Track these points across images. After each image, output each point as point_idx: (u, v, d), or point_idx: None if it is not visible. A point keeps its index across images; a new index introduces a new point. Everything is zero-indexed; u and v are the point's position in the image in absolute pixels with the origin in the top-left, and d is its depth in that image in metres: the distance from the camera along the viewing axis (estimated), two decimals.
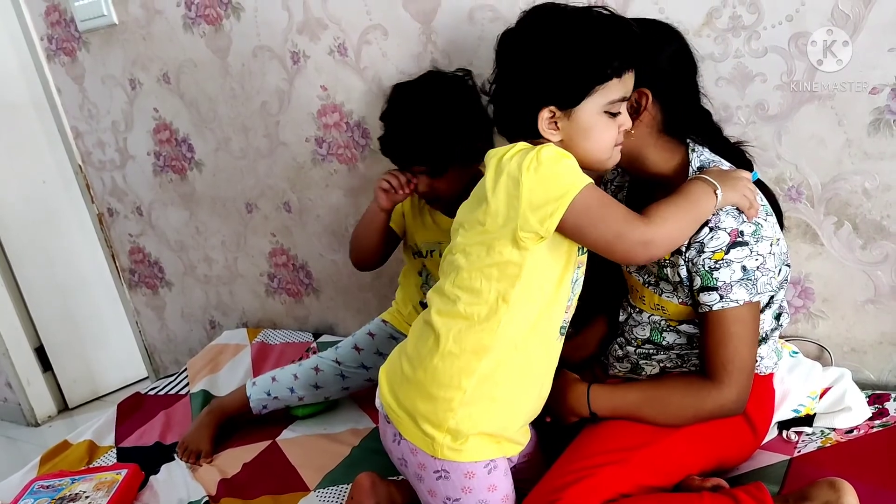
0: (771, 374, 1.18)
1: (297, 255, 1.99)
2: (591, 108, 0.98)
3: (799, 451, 1.19)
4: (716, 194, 1.00)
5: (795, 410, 1.25)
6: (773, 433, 1.24)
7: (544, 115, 0.98)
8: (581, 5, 1.02)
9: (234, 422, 1.59)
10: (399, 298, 1.60)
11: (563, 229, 0.96)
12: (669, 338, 1.16)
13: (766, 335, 1.13)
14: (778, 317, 1.16)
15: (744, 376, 1.05)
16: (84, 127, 2.21)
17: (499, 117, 1.06)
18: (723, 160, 1.11)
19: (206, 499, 1.39)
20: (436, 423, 1.03)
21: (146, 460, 1.54)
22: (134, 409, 1.79)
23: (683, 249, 1.05)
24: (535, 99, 0.98)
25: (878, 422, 1.20)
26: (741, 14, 1.21)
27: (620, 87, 0.98)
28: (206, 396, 1.77)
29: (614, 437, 1.10)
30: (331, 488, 1.36)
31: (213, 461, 1.52)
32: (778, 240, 1.07)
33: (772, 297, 1.12)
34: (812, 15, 1.16)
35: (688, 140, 1.12)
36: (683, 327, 1.14)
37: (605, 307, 1.34)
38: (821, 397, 1.25)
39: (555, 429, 1.20)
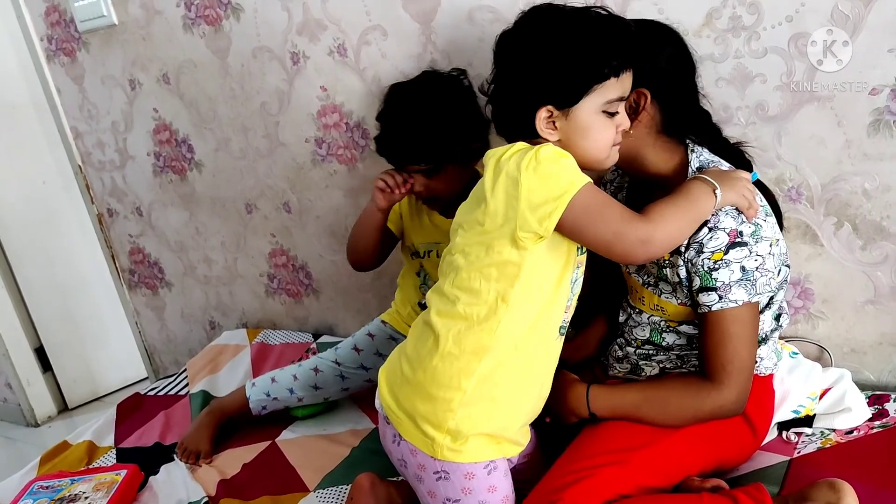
0: (771, 375, 1.18)
1: (296, 255, 1.99)
2: (589, 108, 0.98)
3: (799, 452, 1.18)
4: (715, 194, 1.00)
5: (795, 411, 1.25)
6: (772, 434, 1.24)
7: (542, 114, 0.98)
8: (579, 6, 1.02)
9: (233, 422, 1.59)
10: (398, 299, 1.60)
11: (561, 228, 0.96)
12: (669, 338, 1.16)
13: (766, 336, 1.13)
14: (778, 317, 1.16)
15: (743, 377, 1.05)
16: (84, 127, 2.21)
17: (497, 117, 1.06)
18: (722, 161, 1.11)
19: (206, 499, 1.39)
20: (435, 424, 1.03)
21: (146, 461, 1.54)
22: (133, 410, 1.79)
23: (683, 250, 1.05)
24: (533, 98, 0.98)
25: (878, 423, 1.20)
26: (741, 15, 1.21)
27: (618, 86, 0.98)
28: (206, 397, 1.77)
29: (614, 438, 1.10)
30: (330, 489, 1.36)
31: (212, 462, 1.52)
32: (777, 240, 1.07)
33: (771, 298, 1.12)
34: (812, 16, 1.16)
35: (687, 140, 1.12)
36: (683, 328, 1.14)
37: (605, 308, 1.34)
38: (821, 398, 1.25)
39: (554, 429, 1.20)
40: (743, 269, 1.02)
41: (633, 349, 1.20)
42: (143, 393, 1.87)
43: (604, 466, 1.05)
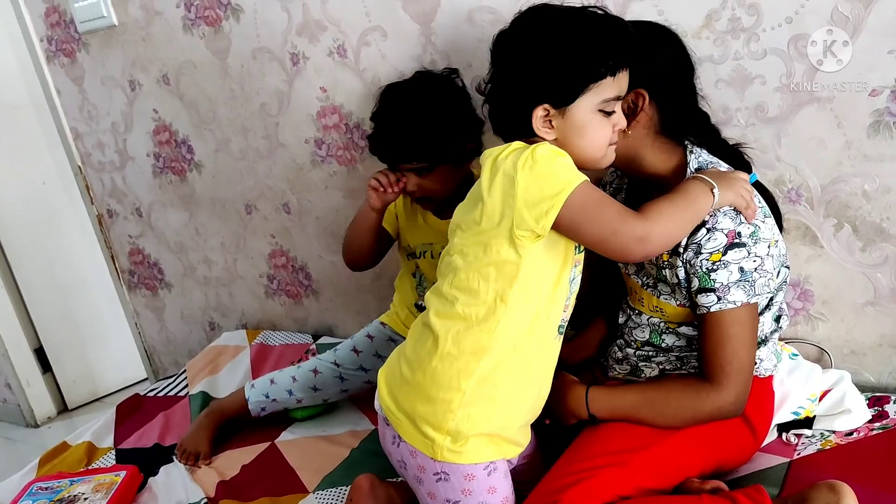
0: (770, 377, 1.18)
1: (296, 256, 1.99)
2: (586, 107, 0.98)
3: (798, 454, 1.18)
4: (713, 193, 1.00)
5: (795, 413, 1.25)
6: (772, 435, 1.24)
7: (539, 113, 0.99)
8: (576, 5, 1.02)
9: (233, 423, 1.59)
10: (396, 301, 1.60)
11: (558, 227, 0.96)
12: (669, 340, 1.16)
13: (766, 337, 1.13)
14: (777, 319, 1.16)
15: (742, 378, 1.05)
16: (84, 128, 2.21)
17: (494, 117, 1.07)
18: (721, 162, 1.11)
19: (205, 500, 1.39)
20: (435, 425, 1.03)
21: (145, 462, 1.54)
22: (133, 411, 1.79)
23: (681, 251, 1.05)
24: (530, 97, 0.98)
25: (877, 424, 1.20)
26: (740, 16, 1.20)
27: (615, 85, 0.98)
28: (206, 398, 1.77)
29: (614, 439, 1.10)
30: (330, 490, 1.36)
31: (211, 463, 1.52)
32: (776, 241, 1.06)
33: (771, 299, 1.12)
34: (811, 17, 1.16)
35: (686, 142, 1.12)
36: (683, 329, 1.14)
37: (605, 309, 1.34)
38: (820, 400, 1.25)
39: (554, 431, 1.20)
40: (741, 270, 1.02)
41: (633, 350, 1.20)
42: (142, 394, 1.87)
43: (603, 468, 1.05)
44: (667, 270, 1.09)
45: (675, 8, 1.25)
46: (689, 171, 1.09)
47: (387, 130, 1.34)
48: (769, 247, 1.04)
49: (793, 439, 1.22)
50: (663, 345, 1.16)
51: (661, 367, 1.17)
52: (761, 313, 1.11)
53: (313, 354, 1.81)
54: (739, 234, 1.02)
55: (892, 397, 1.25)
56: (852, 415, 1.21)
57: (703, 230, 1.03)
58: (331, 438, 1.53)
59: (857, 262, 1.27)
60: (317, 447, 1.51)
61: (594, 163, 1.02)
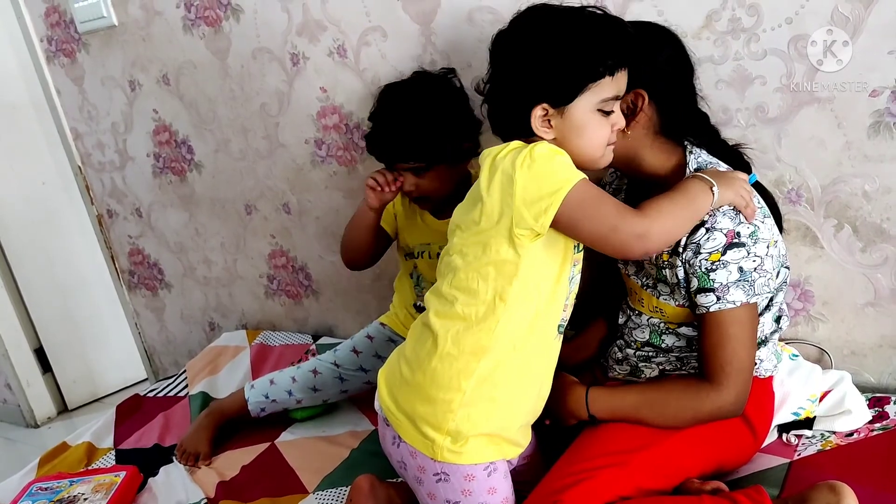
0: (770, 377, 1.18)
1: (296, 256, 1.99)
2: (584, 106, 0.98)
3: (799, 455, 1.18)
4: (712, 191, 1.00)
5: (795, 413, 1.24)
6: (772, 436, 1.24)
7: (537, 112, 0.99)
8: (575, 5, 1.02)
9: (232, 424, 1.59)
10: (395, 301, 1.60)
11: (558, 224, 0.96)
12: (669, 340, 1.16)
13: (766, 338, 1.13)
14: (778, 319, 1.16)
15: (742, 378, 1.05)
16: (84, 128, 2.21)
17: (493, 116, 1.07)
18: (720, 162, 1.11)
19: (205, 501, 1.39)
20: (435, 426, 1.03)
21: (145, 462, 1.54)
22: (133, 411, 1.79)
23: (680, 250, 1.05)
24: (528, 96, 0.99)
25: (878, 425, 1.20)
26: (740, 16, 1.20)
27: (613, 85, 0.99)
28: (205, 398, 1.77)
29: (614, 440, 1.09)
30: (329, 491, 1.36)
31: (211, 463, 1.52)
32: (776, 242, 1.07)
33: (771, 300, 1.12)
34: (811, 17, 1.16)
35: (685, 142, 1.12)
36: (683, 330, 1.14)
37: (605, 309, 1.34)
38: (821, 400, 1.25)
39: (554, 431, 1.20)
40: (741, 269, 1.02)
41: (633, 351, 1.20)
42: (142, 394, 1.87)
43: (603, 468, 1.04)
44: (666, 270, 1.09)
45: (675, 8, 1.25)
46: (688, 171, 1.08)
47: (384, 130, 1.35)
48: (768, 247, 1.04)
49: (793, 440, 1.22)
50: (663, 345, 1.16)
51: (661, 367, 1.17)
52: (761, 314, 1.11)
53: (313, 355, 1.81)
54: (738, 233, 1.02)
55: (893, 398, 1.25)
56: (853, 415, 1.21)
57: (702, 230, 1.03)
58: (331, 439, 1.53)
59: (858, 263, 1.27)
60: (317, 448, 1.51)
61: (592, 163, 1.02)
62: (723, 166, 1.10)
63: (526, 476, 1.14)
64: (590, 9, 1.00)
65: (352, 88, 1.66)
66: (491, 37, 1.05)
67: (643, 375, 1.19)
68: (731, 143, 1.19)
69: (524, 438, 1.12)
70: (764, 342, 1.13)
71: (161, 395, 1.85)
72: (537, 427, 1.16)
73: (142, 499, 1.44)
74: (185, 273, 2.26)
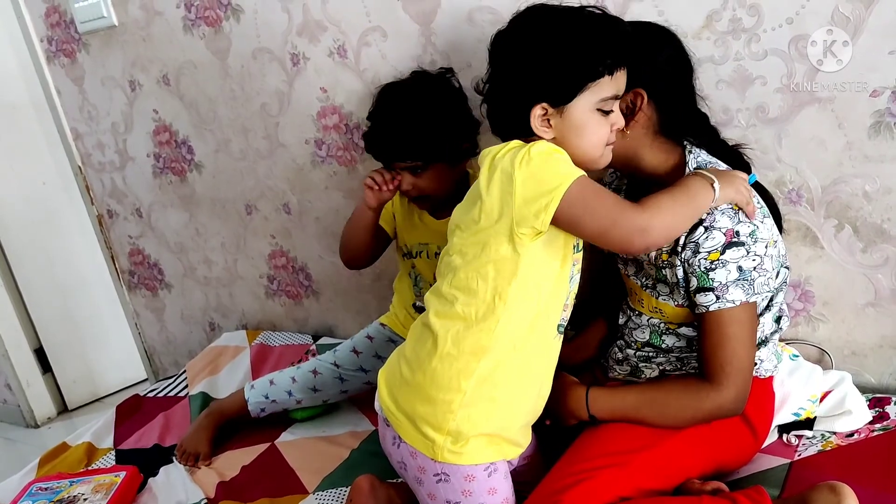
0: (771, 377, 1.18)
1: (296, 256, 1.99)
2: (584, 106, 0.98)
3: (799, 455, 1.18)
4: (713, 188, 1.00)
5: (796, 414, 1.24)
6: (773, 437, 1.24)
7: (537, 112, 0.99)
8: (574, 5, 1.02)
9: (232, 424, 1.59)
10: (395, 302, 1.60)
11: (558, 221, 0.96)
12: (669, 341, 1.16)
13: (766, 338, 1.13)
14: (778, 320, 1.16)
15: (742, 377, 1.05)
16: (84, 128, 2.21)
17: (492, 116, 1.07)
18: (720, 162, 1.11)
19: (205, 501, 1.39)
20: (436, 426, 1.03)
21: (145, 462, 1.54)
22: (133, 411, 1.78)
23: (679, 250, 1.05)
24: (528, 96, 0.99)
25: (878, 425, 1.20)
26: (741, 17, 1.20)
27: (612, 84, 0.99)
28: (205, 398, 1.77)
29: (614, 440, 1.09)
30: (330, 491, 1.36)
31: (211, 464, 1.51)
32: (775, 242, 1.07)
33: (771, 300, 1.12)
34: (812, 17, 1.15)
35: (685, 142, 1.12)
36: (683, 330, 1.14)
37: (605, 309, 1.34)
38: (821, 401, 1.25)
39: (554, 431, 1.19)
40: (740, 268, 1.02)
41: (633, 351, 1.20)
42: (142, 394, 1.87)
43: (604, 469, 1.04)
44: (666, 270, 1.09)
45: (676, 8, 1.25)
46: (687, 170, 1.09)
47: (381, 129, 1.35)
48: (766, 247, 1.04)
49: (793, 440, 1.22)
50: (663, 346, 1.16)
51: (661, 367, 1.17)
52: (762, 314, 1.11)
53: (313, 355, 1.81)
54: (738, 232, 1.02)
55: (893, 398, 1.25)
56: (853, 416, 1.21)
57: (701, 228, 1.03)
58: (331, 439, 1.53)
59: (858, 263, 1.27)
60: (317, 448, 1.51)
61: (592, 162, 1.02)
62: (722, 166, 1.10)
63: (526, 476, 1.14)
64: (589, 9, 1.01)
65: (352, 88, 1.66)
66: (490, 37, 1.05)
67: (643, 376, 1.19)
68: (730, 144, 1.19)
69: (524, 439, 1.11)
70: (764, 342, 1.13)
71: (161, 395, 1.85)
72: (537, 427, 1.16)
73: (142, 499, 1.44)
74: (185, 273, 2.26)
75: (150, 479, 1.49)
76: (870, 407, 1.24)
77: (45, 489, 1.43)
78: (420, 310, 1.45)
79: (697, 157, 1.10)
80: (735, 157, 1.17)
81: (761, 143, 1.26)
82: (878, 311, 1.29)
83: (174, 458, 1.55)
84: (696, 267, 1.04)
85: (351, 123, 1.70)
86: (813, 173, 1.25)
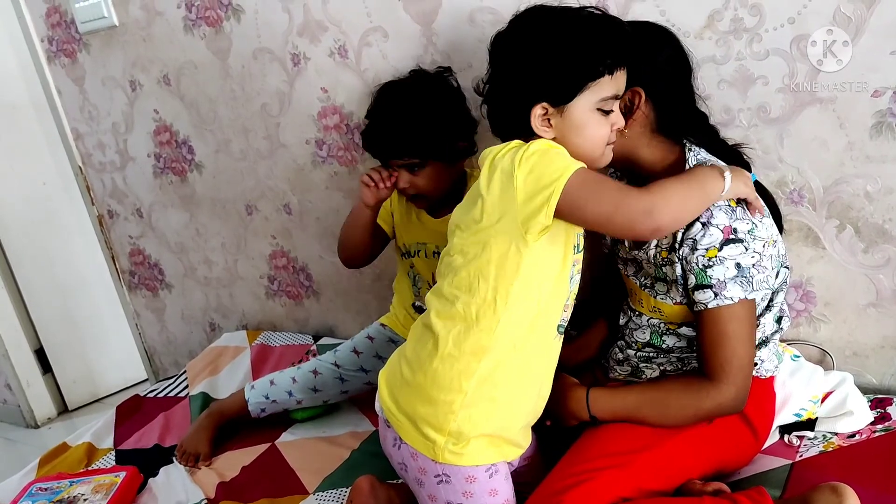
0: (772, 378, 1.18)
1: (297, 257, 1.99)
2: (584, 105, 0.98)
3: (801, 456, 1.18)
4: (724, 178, 1.00)
5: (797, 415, 1.24)
6: (774, 437, 1.24)
7: (537, 111, 0.99)
8: (574, 6, 1.02)
9: (233, 424, 1.59)
10: (395, 302, 1.61)
11: (561, 213, 0.96)
12: (669, 341, 1.16)
13: (767, 338, 1.13)
14: (779, 320, 1.16)
15: (742, 375, 1.05)
16: (84, 128, 2.21)
17: (492, 116, 1.07)
18: (719, 161, 1.11)
19: (205, 501, 1.39)
20: (437, 427, 1.02)
21: (145, 463, 1.54)
22: (133, 412, 1.78)
23: (677, 246, 1.05)
24: (528, 95, 0.99)
25: (880, 426, 1.20)
26: (743, 16, 1.20)
27: (612, 84, 0.99)
28: (206, 399, 1.76)
29: (615, 441, 1.09)
30: (330, 491, 1.35)
31: (211, 464, 1.51)
32: (775, 241, 1.07)
33: (772, 300, 1.12)
34: (814, 17, 1.15)
35: (685, 140, 1.12)
36: (683, 330, 1.14)
37: (606, 310, 1.34)
38: (822, 401, 1.25)
39: (555, 432, 1.19)
40: (738, 265, 1.02)
41: (634, 352, 1.20)
42: (142, 395, 1.87)
43: (604, 469, 1.04)
44: (666, 268, 1.09)
45: (677, 8, 1.24)
46: (686, 167, 1.09)
47: (378, 126, 1.35)
48: (765, 245, 1.04)
49: (795, 441, 1.22)
50: (664, 346, 1.16)
51: (661, 368, 1.17)
52: (762, 314, 1.10)
53: (314, 355, 1.81)
54: (735, 229, 1.02)
55: (895, 399, 1.25)
56: (854, 417, 1.21)
57: (699, 225, 1.03)
58: (331, 440, 1.53)
59: (860, 264, 1.27)
60: (317, 448, 1.50)
61: (592, 162, 1.02)
62: (722, 164, 1.10)
63: (527, 477, 1.14)
64: (589, 9, 1.01)
65: (352, 89, 1.65)
66: (491, 37, 1.05)
67: (644, 376, 1.19)
68: (730, 143, 1.19)
69: (525, 439, 1.11)
70: (765, 343, 1.13)
71: (161, 395, 1.85)
72: (538, 428, 1.16)
73: (142, 499, 1.44)
74: (185, 273, 2.26)
75: (151, 480, 1.49)
76: (871, 408, 1.24)
77: (45, 489, 1.43)
78: (419, 310, 1.46)
79: (697, 155, 1.10)
80: (735, 157, 1.17)
81: (763, 144, 1.26)
82: (879, 312, 1.29)
83: (174, 459, 1.54)
84: (693, 264, 1.04)
85: (352, 123, 1.70)
86: (815, 173, 1.25)
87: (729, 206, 1.03)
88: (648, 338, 1.18)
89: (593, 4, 1.04)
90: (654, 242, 1.10)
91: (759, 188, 1.14)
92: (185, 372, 1.93)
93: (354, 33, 1.59)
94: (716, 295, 1.03)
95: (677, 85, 1.11)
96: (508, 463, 1.10)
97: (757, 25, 1.20)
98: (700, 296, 1.04)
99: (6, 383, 2.60)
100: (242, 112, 1.85)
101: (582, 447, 1.11)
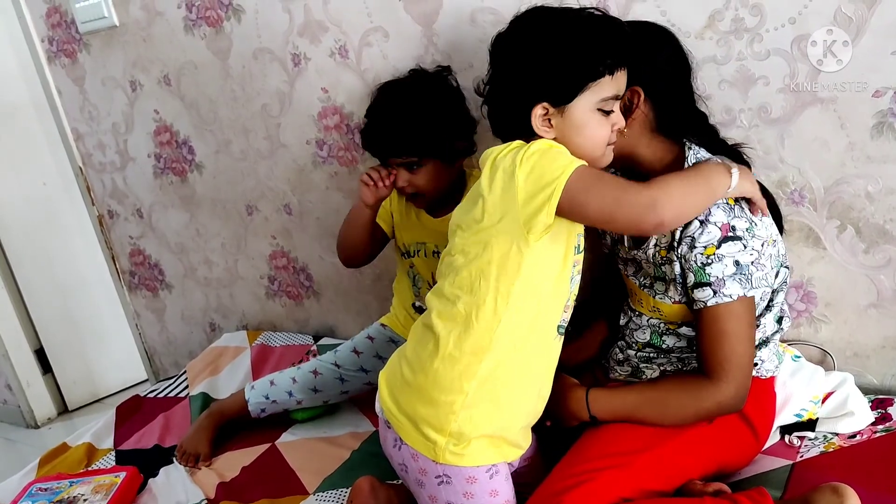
0: (772, 378, 1.18)
1: (297, 257, 1.99)
2: (584, 105, 0.99)
3: (801, 456, 1.18)
4: (731, 174, 1.00)
5: (798, 415, 1.24)
6: (775, 437, 1.24)
7: (538, 111, 0.99)
8: (575, 6, 1.02)
9: (233, 425, 1.59)
10: (395, 302, 1.61)
11: (563, 210, 0.96)
12: (669, 341, 1.16)
13: (768, 338, 1.13)
14: (779, 320, 1.15)
15: (741, 373, 1.05)
16: (84, 129, 2.21)
17: (493, 117, 1.07)
18: (726, 158, 1.11)
19: (205, 502, 1.39)
20: (438, 427, 1.02)
21: (145, 463, 1.54)
22: (133, 412, 1.78)
23: (676, 245, 1.05)
24: (529, 95, 0.99)
25: (880, 427, 1.20)
26: (743, 17, 1.20)
27: (613, 84, 0.99)
28: (206, 399, 1.76)
29: (615, 441, 1.09)
30: (330, 492, 1.35)
31: (211, 464, 1.51)
32: (774, 241, 1.07)
33: (772, 300, 1.12)
34: (814, 17, 1.15)
35: (685, 140, 1.12)
36: (683, 330, 1.14)
37: (606, 310, 1.34)
38: (823, 402, 1.25)
39: (555, 432, 1.19)
40: (737, 263, 1.02)
41: (634, 352, 1.20)
42: (142, 395, 1.87)
43: (605, 470, 1.04)
44: (665, 267, 1.09)
45: (678, 8, 1.24)
46: (686, 165, 1.09)
47: (377, 124, 1.36)
48: (764, 244, 1.04)
49: (796, 441, 1.22)
50: (664, 346, 1.16)
51: (662, 368, 1.17)
52: (763, 315, 1.10)
53: (314, 356, 1.81)
54: (734, 227, 1.02)
55: (895, 400, 1.25)
56: (855, 417, 1.21)
57: (696, 223, 1.03)
58: (331, 440, 1.53)
59: (861, 264, 1.27)
60: (317, 449, 1.50)
61: (593, 162, 1.02)
62: (729, 161, 1.09)
63: (527, 478, 1.13)
64: (589, 9, 1.02)
65: (353, 89, 1.65)
66: (492, 38, 1.05)
67: (644, 376, 1.19)
68: (730, 143, 1.19)
69: (525, 440, 1.11)
70: (765, 343, 1.13)
71: (161, 395, 1.85)
72: (538, 428, 1.16)
73: (142, 500, 1.44)
74: (185, 274, 2.26)
75: (151, 480, 1.49)
76: (872, 408, 1.24)
77: (45, 490, 1.43)
78: (419, 310, 1.45)
79: (697, 153, 1.10)
80: (734, 157, 1.17)
81: (764, 144, 1.26)
82: (880, 313, 1.29)
83: (174, 459, 1.54)
84: (692, 262, 1.04)
85: (352, 124, 1.70)
86: (815, 174, 1.25)
87: (727, 203, 1.03)
88: (648, 338, 1.18)
89: (593, 5, 1.04)
90: (653, 241, 1.10)
91: (760, 188, 1.14)
92: (185, 372, 1.93)
93: (355, 33, 1.59)
94: (715, 293, 1.03)
95: (677, 85, 1.11)
96: (509, 463, 1.10)
97: (758, 25, 1.20)
98: (699, 294, 1.04)
99: (6, 383, 2.60)
100: (243, 112, 1.85)
101: (582, 448, 1.11)
